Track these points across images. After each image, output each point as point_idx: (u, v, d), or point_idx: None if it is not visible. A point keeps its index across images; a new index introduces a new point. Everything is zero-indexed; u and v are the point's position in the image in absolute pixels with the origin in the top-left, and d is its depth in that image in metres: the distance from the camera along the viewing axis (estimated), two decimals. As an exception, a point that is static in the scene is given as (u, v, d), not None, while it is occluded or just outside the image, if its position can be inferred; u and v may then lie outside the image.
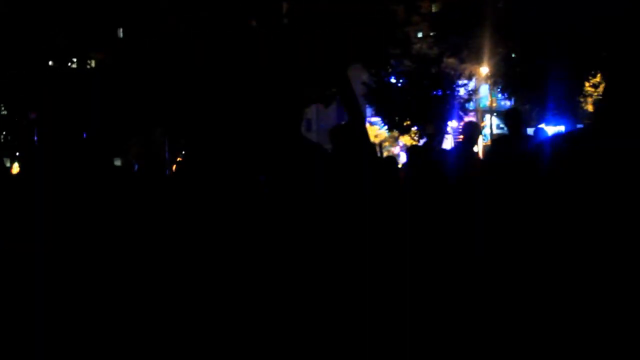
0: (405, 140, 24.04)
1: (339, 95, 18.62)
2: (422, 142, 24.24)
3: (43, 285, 5.15)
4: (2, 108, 22.56)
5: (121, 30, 19.01)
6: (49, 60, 19.12)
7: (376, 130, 30.03)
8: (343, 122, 9.97)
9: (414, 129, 23.48)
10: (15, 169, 19.73)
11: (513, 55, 21.70)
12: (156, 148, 21.40)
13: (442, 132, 23.24)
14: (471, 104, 25.02)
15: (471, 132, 7.96)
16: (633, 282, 2.98)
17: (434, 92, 22.49)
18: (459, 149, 8.12)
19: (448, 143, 23.14)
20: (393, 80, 22.74)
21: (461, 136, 8.90)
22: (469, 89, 23.87)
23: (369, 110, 31.93)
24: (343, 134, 7.25)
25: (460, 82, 23.10)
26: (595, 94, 22.92)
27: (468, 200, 6.65)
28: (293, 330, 4.82)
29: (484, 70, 22.96)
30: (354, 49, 18.04)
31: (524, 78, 21.16)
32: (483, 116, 28.69)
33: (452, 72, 21.83)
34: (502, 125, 28.94)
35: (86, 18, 18.03)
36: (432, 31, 21.49)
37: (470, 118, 26.64)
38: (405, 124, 23.25)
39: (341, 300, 5.25)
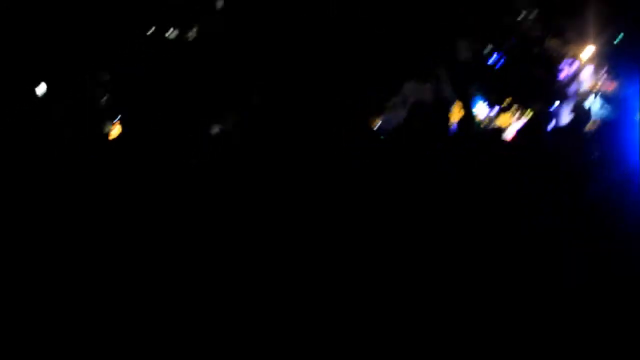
0: (505, 119, 23.56)
1: (446, 69, 18.42)
2: (520, 122, 23.73)
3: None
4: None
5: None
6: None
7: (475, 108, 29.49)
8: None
9: (514, 108, 22.97)
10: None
11: (621, 36, 20.98)
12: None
13: (548, 112, 22.63)
14: (573, 86, 24.31)
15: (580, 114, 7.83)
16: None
17: (536, 73, 21.93)
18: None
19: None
20: (493, 59, 22.29)
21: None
22: (572, 70, 23.18)
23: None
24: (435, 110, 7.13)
25: (563, 64, 22.47)
26: None
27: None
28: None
29: (589, 50, 22.26)
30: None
31: (631, 59, 20.42)
32: (585, 98, 27.83)
33: (556, 54, 21.22)
34: (602, 110, 28.08)
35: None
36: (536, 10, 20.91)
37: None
38: (504, 103, 22.80)
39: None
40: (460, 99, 18.77)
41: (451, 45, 18.58)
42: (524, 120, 23.05)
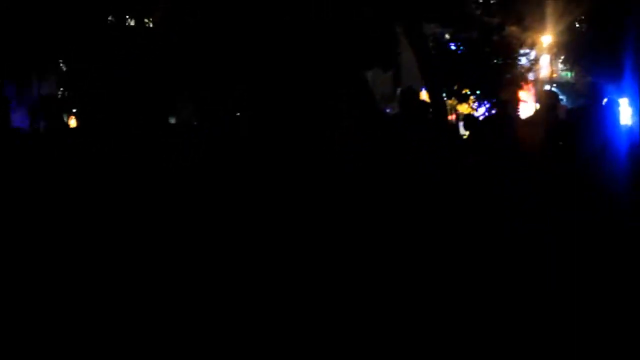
0: (463, 108, 23.66)
1: (416, 56, 18.39)
2: (479, 110, 23.87)
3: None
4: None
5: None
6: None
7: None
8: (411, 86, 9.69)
9: (472, 97, 23.08)
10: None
11: (577, 24, 21.19)
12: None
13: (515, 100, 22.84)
14: (532, 74, 24.53)
15: (553, 100, 7.96)
16: None
17: (495, 61, 22.04)
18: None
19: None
20: (453, 48, 22.31)
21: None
22: (530, 59, 23.39)
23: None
24: (412, 97, 7.08)
25: (521, 52, 22.64)
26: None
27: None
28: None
29: (547, 39, 22.47)
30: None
31: (588, 48, 20.63)
32: (542, 86, 28.11)
33: (514, 41, 21.35)
34: (561, 97, 28.38)
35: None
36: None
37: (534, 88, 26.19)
38: (463, 92, 22.86)
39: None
40: (427, 87, 18.76)
41: (412, 33, 18.51)
42: (483, 107, 23.22)
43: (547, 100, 8.08)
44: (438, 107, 17.21)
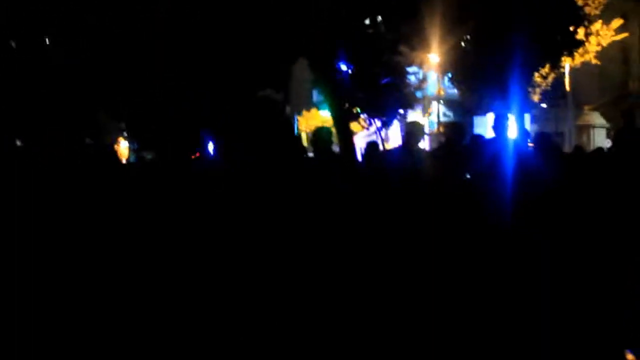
0: (354, 127, 23.93)
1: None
2: (369, 130, 24.23)
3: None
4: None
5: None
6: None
7: (323, 117, 29.94)
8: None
9: (363, 116, 23.37)
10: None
11: (462, 44, 21.77)
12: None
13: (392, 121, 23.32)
14: (420, 92, 25.08)
15: (413, 131, 7.93)
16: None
17: (384, 80, 22.39)
18: (402, 150, 8.04)
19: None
20: (343, 67, 22.54)
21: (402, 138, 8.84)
22: (419, 77, 23.90)
23: (315, 95, 31.78)
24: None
25: (410, 70, 23.10)
26: (544, 84, 23.21)
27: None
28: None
29: (434, 58, 23.00)
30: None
31: (473, 67, 21.24)
32: (430, 104, 28.77)
33: (403, 60, 21.77)
34: (448, 113, 29.14)
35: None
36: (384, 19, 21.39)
37: (416, 110, 26.77)
38: (354, 110, 23.11)
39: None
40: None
41: (302, 50, 18.70)
42: (373, 126, 23.58)
43: (408, 132, 8.07)
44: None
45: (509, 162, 6.49)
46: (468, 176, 7.07)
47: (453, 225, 6.23)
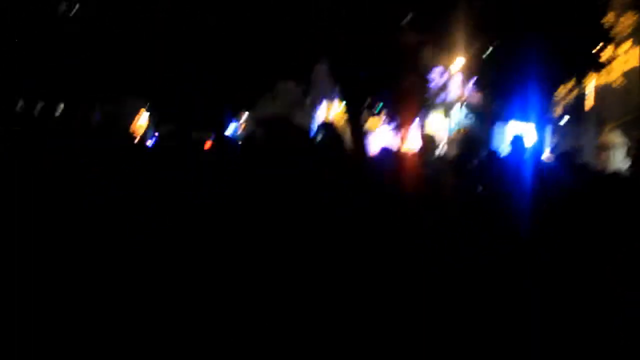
0: (373, 123, 23.87)
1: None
2: (390, 126, 24.13)
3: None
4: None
5: None
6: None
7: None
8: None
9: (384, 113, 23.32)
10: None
11: (489, 50, 21.66)
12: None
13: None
14: (442, 95, 24.98)
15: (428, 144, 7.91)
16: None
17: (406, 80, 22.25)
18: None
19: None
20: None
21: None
22: (442, 80, 23.80)
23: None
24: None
25: (434, 72, 23.03)
26: (568, 98, 23.10)
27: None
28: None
29: (459, 61, 22.88)
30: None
31: (498, 74, 21.14)
32: (451, 107, 28.64)
33: (428, 62, 21.67)
34: (469, 118, 28.98)
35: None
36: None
37: (438, 112, 26.63)
38: (375, 107, 23.07)
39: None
40: (346, 104, 18.86)
41: (327, 49, 18.61)
42: (393, 124, 23.49)
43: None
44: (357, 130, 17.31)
45: (524, 179, 6.38)
46: (480, 189, 6.97)
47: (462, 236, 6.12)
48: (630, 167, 9.70)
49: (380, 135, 25.35)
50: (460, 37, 20.50)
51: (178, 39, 16.98)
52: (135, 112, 19.44)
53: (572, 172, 7.61)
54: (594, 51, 20.83)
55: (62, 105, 15.05)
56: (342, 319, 4.89)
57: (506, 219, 6.30)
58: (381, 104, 22.25)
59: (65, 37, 17.49)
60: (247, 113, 21.46)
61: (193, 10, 16.94)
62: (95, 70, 17.43)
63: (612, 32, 22.26)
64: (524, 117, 22.39)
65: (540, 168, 7.16)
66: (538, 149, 10.90)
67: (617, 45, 23.84)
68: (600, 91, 27.01)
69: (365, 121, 24.23)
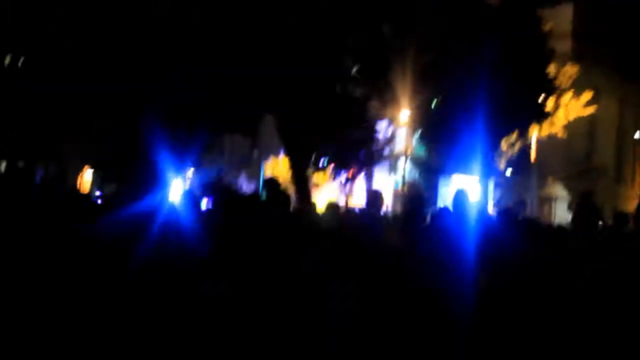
0: (320, 178, 23.84)
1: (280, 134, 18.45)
2: (337, 180, 24.12)
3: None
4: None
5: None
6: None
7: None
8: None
9: (331, 167, 23.27)
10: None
11: (433, 104, 21.92)
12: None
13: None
14: (387, 148, 25.07)
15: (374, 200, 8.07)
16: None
17: (353, 134, 22.32)
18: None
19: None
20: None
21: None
22: (388, 133, 23.91)
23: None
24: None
25: (379, 126, 23.12)
26: (511, 152, 23.46)
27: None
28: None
29: (404, 114, 23.07)
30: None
31: (442, 127, 21.36)
32: (397, 160, 28.70)
33: (374, 115, 21.79)
34: (414, 172, 29.15)
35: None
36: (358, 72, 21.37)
37: (383, 166, 26.73)
38: (321, 162, 23.00)
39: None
40: (289, 155, 18.86)
41: (275, 99, 18.64)
42: (339, 178, 23.50)
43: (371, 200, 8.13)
44: (301, 184, 17.34)
45: (469, 238, 6.37)
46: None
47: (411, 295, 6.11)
48: (572, 219, 9.82)
49: (327, 190, 25.35)
50: (405, 90, 20.74)
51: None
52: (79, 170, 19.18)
53: (514, 227, 7.66)
54: (536, 103, 21.20)
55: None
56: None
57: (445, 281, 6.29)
58: (327, 158, 22.18)
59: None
60: (192, 169, 21.26)
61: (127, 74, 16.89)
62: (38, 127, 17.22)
63: (554, 84, 22.76)
64: (468, 170, 22.64)
65: (484, 224, 7.17)
66: (482, 203, 11.02)
67: (559, 97, 24.37)
68: (544, 144, 27.54)
69: (311, 175, 24.25)
